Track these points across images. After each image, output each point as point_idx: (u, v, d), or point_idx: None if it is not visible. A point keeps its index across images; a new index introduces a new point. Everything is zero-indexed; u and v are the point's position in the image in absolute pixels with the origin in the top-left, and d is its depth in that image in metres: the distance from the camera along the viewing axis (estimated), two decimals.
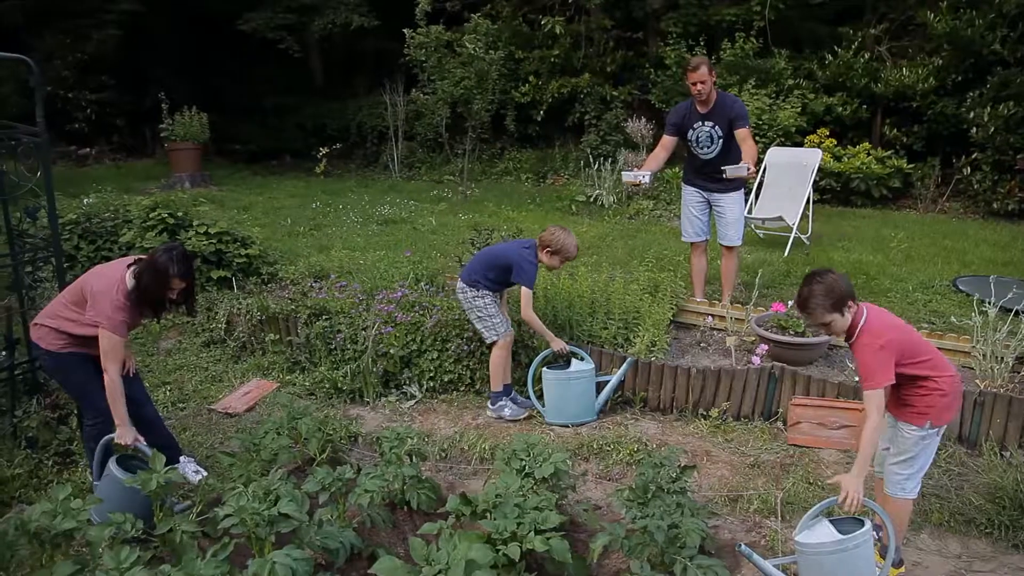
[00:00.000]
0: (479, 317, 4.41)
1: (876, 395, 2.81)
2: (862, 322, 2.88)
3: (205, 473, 3.85)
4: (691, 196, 5.62)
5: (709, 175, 5.41)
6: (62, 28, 13.89)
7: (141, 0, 14.07)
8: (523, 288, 4.34)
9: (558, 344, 4.43)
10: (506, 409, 4.48)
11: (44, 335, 3.52)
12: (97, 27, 13.85)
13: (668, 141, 5.50)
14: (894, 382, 2.86)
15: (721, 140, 5.27)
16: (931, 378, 2.92)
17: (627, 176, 5.31)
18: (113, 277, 3.46)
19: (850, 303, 2.87)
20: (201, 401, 4.80)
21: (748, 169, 5.01)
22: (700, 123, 5.29)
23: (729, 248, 5.58)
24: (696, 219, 5.62)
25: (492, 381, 4.50)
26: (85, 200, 7.31)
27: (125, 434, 3.44)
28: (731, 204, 5.46)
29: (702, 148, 5.35)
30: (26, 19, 13.96)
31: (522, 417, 4.47)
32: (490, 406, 4.54)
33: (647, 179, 5.29)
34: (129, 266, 3.49)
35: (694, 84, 5.17)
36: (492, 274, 4.41)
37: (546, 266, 4.42)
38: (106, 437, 3.47)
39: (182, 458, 3.91)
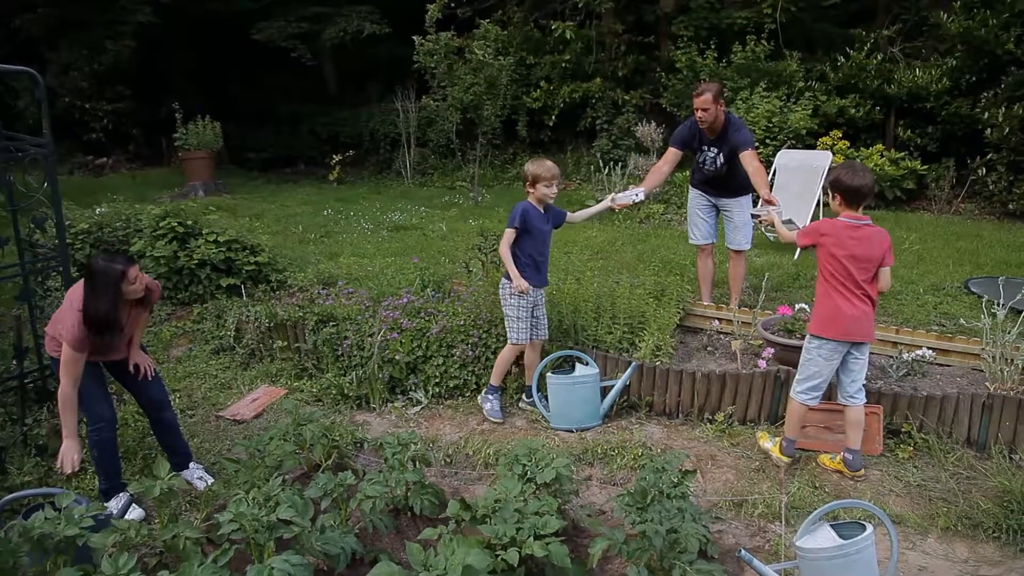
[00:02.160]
0: (507, 315, 4.41)
1: (797, 235, 3.86)
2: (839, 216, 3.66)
3: (211, 480, 3.89)
4: (697, 199, 5.60)
5: (716, 185, 5.42)
6: (79, 40, 14.11)
7: (156, 12, 14.25)
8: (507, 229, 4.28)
9: (518, 282, 4.23)
10: (487, 404, 4.52)
11: (48, 342, 3.63)
12: (113, 38, 14.04)
13: (673, 155, 5.42)
14: (801, 246, 3.87)
15: (725, 165, 5.25)
16: (823, 284, 3.65)
17: (621, 199, 4.82)
18: (80, 290, 3.46)
19: (841, 195, 3.61)
20: (210, 408, 4.84)
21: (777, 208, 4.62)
22: (707, 147, 5.28)
23: (737, 252, 5.54)
24: (703, 222, 5.59)
25: (494, 373, 4.52)
26: (97, 210, 7.40)
27: (69, 448, 3.41)
28: (739, 208, 5.43)
29: (707, 167, 5.36)
30: (44, 32, 14.20)
31: (496, 420, 4.47)
32: (483, 394, 4.59)
33: (641, 196, 4.96)
34: None
35: (696, 109, 5.08)
36: (517, 248, 4.33)
37: (539, 198, 4.30)
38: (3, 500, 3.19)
39: (192, 464, 3.96)
